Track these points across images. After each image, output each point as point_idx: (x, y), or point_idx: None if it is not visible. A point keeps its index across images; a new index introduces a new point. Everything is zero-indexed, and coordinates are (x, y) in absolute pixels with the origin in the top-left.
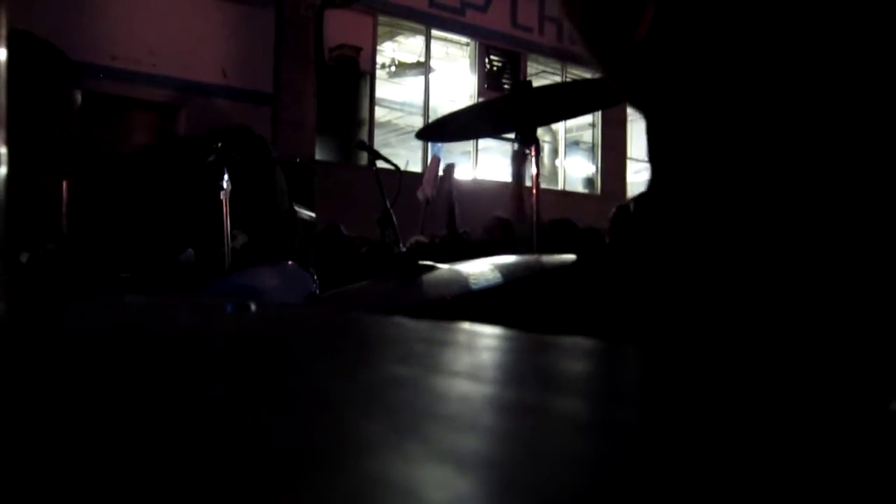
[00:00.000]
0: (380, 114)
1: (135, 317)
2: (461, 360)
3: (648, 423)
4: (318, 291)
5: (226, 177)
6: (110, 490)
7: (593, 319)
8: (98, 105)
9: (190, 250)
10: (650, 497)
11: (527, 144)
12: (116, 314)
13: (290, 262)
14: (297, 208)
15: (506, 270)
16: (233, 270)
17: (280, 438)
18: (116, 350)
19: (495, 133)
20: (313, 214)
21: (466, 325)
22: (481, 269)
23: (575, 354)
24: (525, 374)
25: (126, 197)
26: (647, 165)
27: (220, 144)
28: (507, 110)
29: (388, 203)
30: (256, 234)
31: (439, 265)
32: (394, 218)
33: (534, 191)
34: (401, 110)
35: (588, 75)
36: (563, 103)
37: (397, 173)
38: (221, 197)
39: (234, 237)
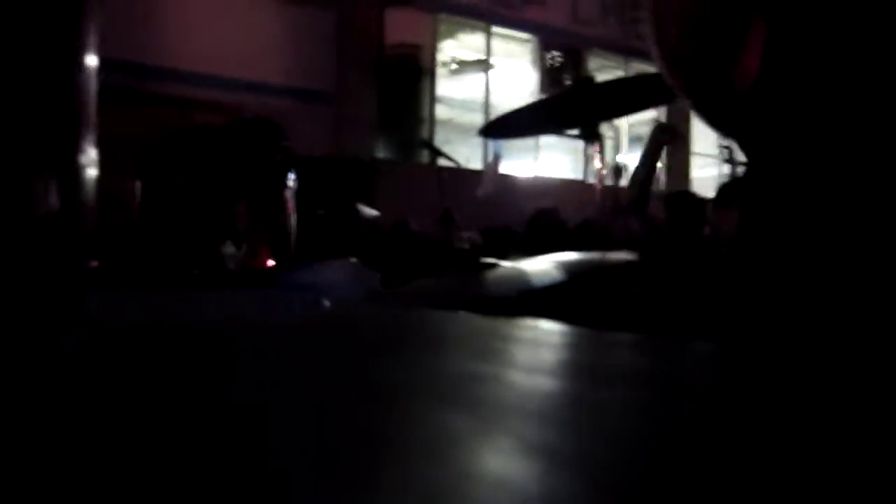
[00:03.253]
0: (440, 112)
1: (220, 310)
2: (534, 357)
3: (726, 421)
4: (381, 287)
5: (291, 175)
6: (226, 478)
7: (659, 316)
8: (164, 106)
9: (243, 246)
10: (731, 490)
11: (590, 141)
12: (196, 309)
13: (352, 259)
14: (359, 206)
15: (568, 268)
16: (296, 267)
17: (373, 432)
18: (207, 346)
19: (558, 130)
20: (376, 212)
21: (533, 322)
22: (543, 267)
23: (647, 352)
24: (594, 370)
25: (189, 193)
26: (718, 160)
27: (285, 143)
28: (570, 107)
29: (449, 201)
30: (316, 233)
31: (501, 262)
32: (455, 215)
33: (598, 187)
34: (461, 108)
35: (652, 69)
36: (627, 99)
37: (458, 171)
38: (287, 196)
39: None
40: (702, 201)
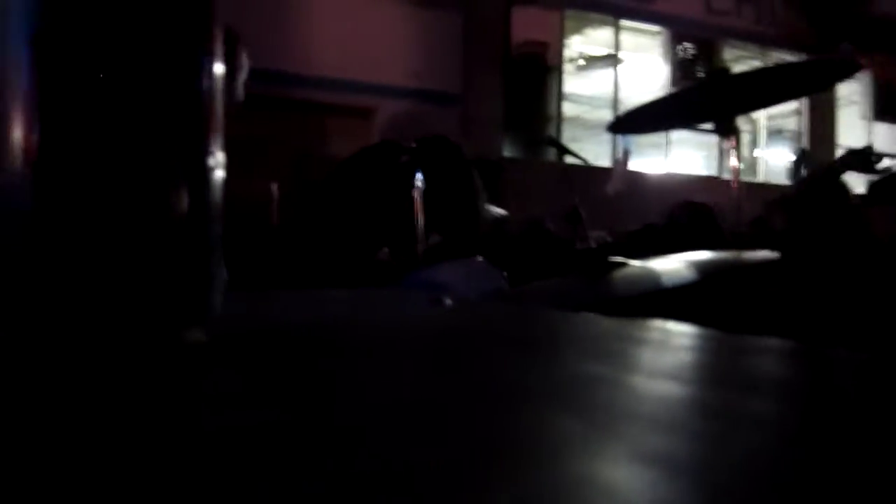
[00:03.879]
0: (568, 109)
1: (343, 309)
2: (657, 360)
3: (872, 439)
4: (507, 287)
5: (419, 176)
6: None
7: (800, 319)
8: (296, 111)
9: (385, 249)
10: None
11: (725, 136)
12: (329, 306)
13: (479, 258)
14: (488, 206)
15: (701, 267)
16: (423, 267)
17: (485, 433)
18: (334, 344)
19: (691, 124)
20: (505, 212)
21: (661, 324)
22: (675, 266)
23: (778, 357)
24: (724, 376)
25: (328, 198)
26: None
27: (413, 145)
28: (704, 100)
29: (577, 199)
30: (451, 233)
31: (631, 262)
32: (583, 214)
33: (734, 184)
34: (589, 104)
35: (791, 58)
36: (765, 90)
37: (586, 168)
38: (415, 196)
39: (428, 237)
40: (849, 196)
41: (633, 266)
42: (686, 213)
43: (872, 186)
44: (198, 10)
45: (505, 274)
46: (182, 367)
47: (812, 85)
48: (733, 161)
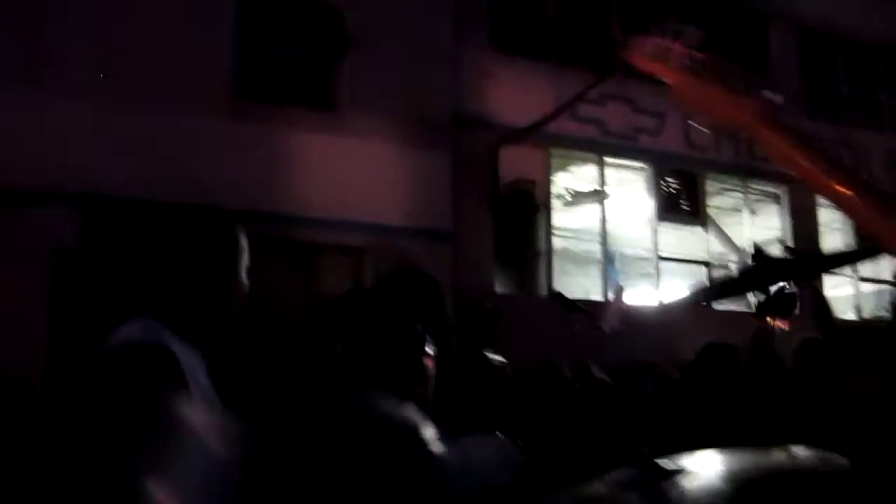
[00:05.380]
0: (556, 242)
1: None
2: None
3: None
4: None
5: (430, 346)
6: None
7: None
8: (291, 251)
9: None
10: None
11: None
12: None
13: (495, 434)
14: (487, 353)
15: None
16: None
17: None
18: None
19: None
20: (504, 361)
21: None
22: (738, 469)
23: None
24: None
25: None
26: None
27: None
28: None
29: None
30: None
31: (685, 466)
32: (593, 368)
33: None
34: (577, 238)
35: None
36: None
37: (587, 317)
38: (427, 364)
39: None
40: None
41: (696, 475)
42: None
43: None
44: None
45: (523, 458)
46: None
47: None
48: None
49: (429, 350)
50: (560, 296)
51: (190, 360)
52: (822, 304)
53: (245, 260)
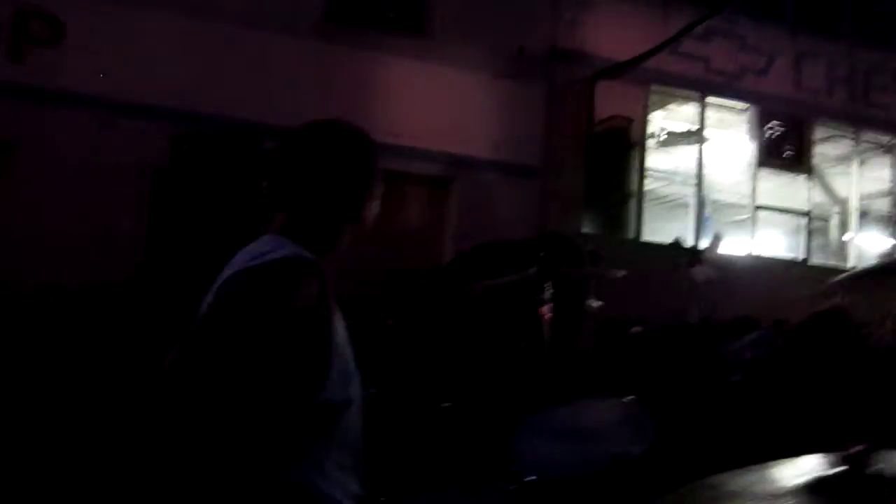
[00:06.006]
0: (649, 184)
1: None
2: None
3: None
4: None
5: (548, 290)
6: None
7: None
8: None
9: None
10: None
11: None
12: None
13: (628, 399)
14: (588, 300)
15: None
16: (553, 401)
17: None
18: None
19: None
20: (601, 303)
21: None
22: None
23: None
24: None
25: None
26: None
27: (542, 254)
28: None
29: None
30: (561, 341)
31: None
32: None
33: None
34: (671, 180)
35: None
36: None
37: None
38: (543, 310)
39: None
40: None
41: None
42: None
43: None
44: None
45: (654, 425)
46: None
47: None
48: None
49: (545, 296)
50: (678, 244)
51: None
52: None
53: (378, 185)
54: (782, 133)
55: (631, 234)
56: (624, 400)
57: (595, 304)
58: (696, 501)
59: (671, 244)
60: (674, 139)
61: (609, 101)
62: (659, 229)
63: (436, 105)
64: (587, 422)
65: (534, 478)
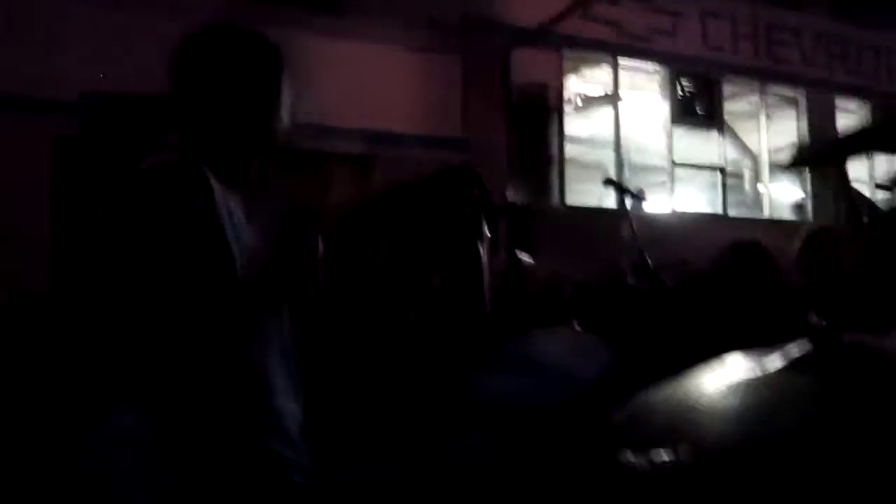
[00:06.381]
0: (569, 150)
1: None
2: None
3: None
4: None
5: (485, 226)
6: None
7: None
8: (301, 161)
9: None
10: None
11: None
12: None
13: (576, 328)
14: (519, 255)
15: None
16: (512, 338)
17: None
18: None
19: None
20: (531, 261)
21: None
22: None
23: None
24: None
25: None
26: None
27: (476, 192)
28: None
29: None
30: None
31: None
32: (650, 262)
33: None
34: (590, 145)
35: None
36: None
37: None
38: (480, 249)
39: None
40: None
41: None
42: (740, 256)
43: None
44: None
45: (609, 348)
46: None
47: None
48: None
49: (484, 232)
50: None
51: (225, 197)
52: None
53: (287, 90)
54: (693, 91)
55: (555, 200)
56: (576, 328)
57: (526, 257)
58: (678, 393)
59: (604, 182)
60: (590, 103)
61: (525, 68)
62: (582, 193)
63: (354, 82)
64: (542, 352)
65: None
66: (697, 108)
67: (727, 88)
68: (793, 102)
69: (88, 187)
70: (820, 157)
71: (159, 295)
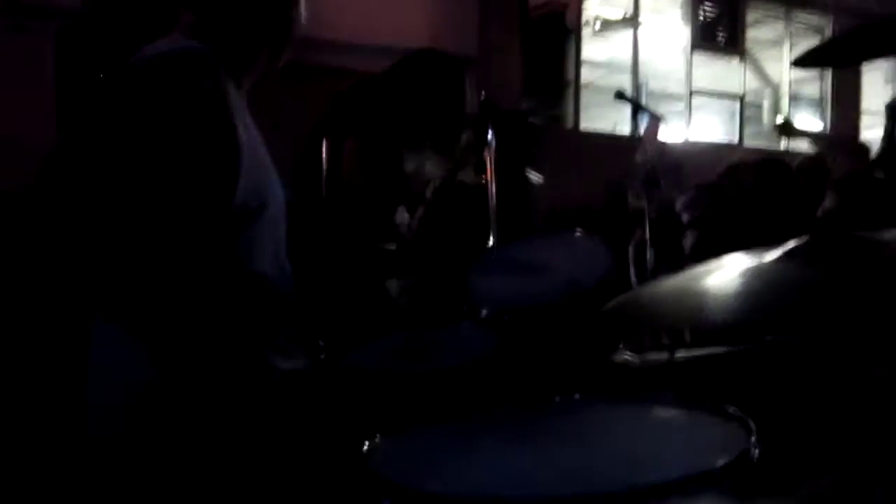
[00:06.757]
0: (585, 74)
1: None
2: None
3: None
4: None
5: (490, 133)
6: None
7: None
8: (309, 76)
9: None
10: None
11: None
12: None
13: (577, 232)
14: (528, 172)
15: None
16: (515, 242)
17: None
18: None
19: None
20: (541, 178)
21: None
22: None
23: None
24: None
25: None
26: None
27: (483, 96)
28: None
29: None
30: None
31: None
32: (660, 179)
33: None
34: (607, 69)
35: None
36: None
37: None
38: (486, 156)
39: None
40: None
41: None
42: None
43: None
44: None
45: (611, 252)
46: None
47: None
48: None
49: (489, 139)
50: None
51: (235, 94)
52: None
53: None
54: (716, 16)
55: (569, 125)
56: (577, 233)
57: (536, 176)
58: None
59: (616, 94)
60: (609, 26)
61: None
62: (597, 117)
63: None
64: (542, 256)
65: (490, 312)
66: (719, 34)
67: (750, 14)
68: (818, 31)
69: (94, 76)
70: (820, 58)
71: (159, 189)
